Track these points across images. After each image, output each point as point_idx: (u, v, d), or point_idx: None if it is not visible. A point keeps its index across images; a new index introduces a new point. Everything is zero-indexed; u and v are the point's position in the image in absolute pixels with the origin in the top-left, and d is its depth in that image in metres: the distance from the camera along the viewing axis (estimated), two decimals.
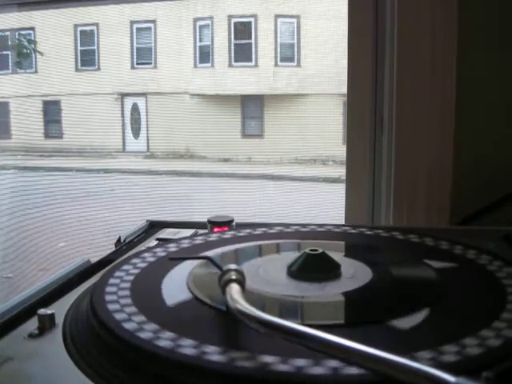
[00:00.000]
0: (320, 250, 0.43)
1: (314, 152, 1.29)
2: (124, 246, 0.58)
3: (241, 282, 0.35)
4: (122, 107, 1.45)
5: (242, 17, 1.34)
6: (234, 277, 0.35)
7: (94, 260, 0.52)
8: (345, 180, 0.83)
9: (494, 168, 0.77)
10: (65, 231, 1.23)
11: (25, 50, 1.37)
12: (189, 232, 0.61)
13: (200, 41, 1.37)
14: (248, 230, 0.57)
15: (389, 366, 0.25)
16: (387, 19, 0.76)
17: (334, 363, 0.29)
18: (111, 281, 0.42)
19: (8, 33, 1.35)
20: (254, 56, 1.34)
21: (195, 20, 1.35)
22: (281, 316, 0.30)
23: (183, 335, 0.32)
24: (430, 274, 0.44)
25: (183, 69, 1.38)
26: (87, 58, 1.40)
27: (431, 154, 0.75)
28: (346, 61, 0.80)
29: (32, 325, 0.37)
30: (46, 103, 1.42)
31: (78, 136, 1.40)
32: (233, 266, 0.36)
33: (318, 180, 1.32)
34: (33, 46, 1.36)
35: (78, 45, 1.39)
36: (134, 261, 0.47)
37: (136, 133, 1.45)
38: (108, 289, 0.41)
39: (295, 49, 1.32)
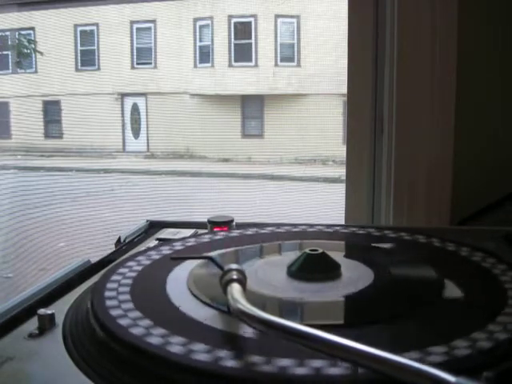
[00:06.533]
0: (320, 250, 0.43)
1: (314, 152, 1.29)
2: (124, 246, 0.58)
3: (242, 282, 0.35)
4: (122, 107, 1.45)
5: (242, 17, 1.34)
6: (235, 276, 0.35)
7: (94, 260, 0.52)
8: (345, 180, 0.83)
9: (494, 168, 0.77)
10: (65, 231, 1.23)
11: (25, 50, 1.37)
12: (189, 232, 0.61)
13: (200, 41, 1.37)
14: (248, 230, 0.57)
15: (389, 366, 0.25)
16: (387, 19, 0.76)
17: (318, 363, 0.29)
18: (111, 281, 0.42)
19: (8, 33, 1.35)
20: (254, 56, 1.34)
21: (195, 20, 1.35)
22: (281, 316, 0.30)
23: (183, 336, 0.32)
24: (431, 275, 0.44)
25: (183, 69, 1.38)
26: (87, 58, 1.40)
27: (431, 154, 0.75)
28: (345, 61, 0.80)
29: (32, 325, 0.37)
30: (46, 103, 1.42)
31: (77, 136, 1.40)
32: (234, 266, 0.36)
33: (317, 180, 1.32)
34: (33, 45, 1.36)
35: (78, 45, 1.39)
36: (134, 261, 0.47)
37: (136, 133, 1.45)
38: (108, 289, 0.41)
39: (295, 49, 1.32)
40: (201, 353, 0.30)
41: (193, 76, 1.41)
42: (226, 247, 0.51)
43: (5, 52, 1.38)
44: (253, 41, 1.34)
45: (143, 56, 1.40)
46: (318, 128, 1.24)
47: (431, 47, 0.73)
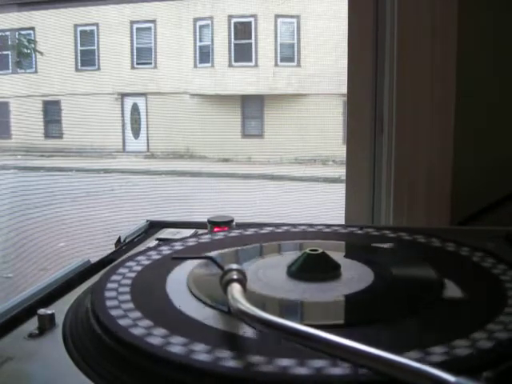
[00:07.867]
0: (320, 250, 0.43)
1: (314, 152, 1.29)
2: (124, 246, 0.58)
3: (242, 282, 0.35)
4: (122, 107, 1.44)
5: (242, 17, 1.34)
6: (235, 276, 0.35)
7: (94, 260, 0.52)
8: (345, 180, 0.83)
9: (494, 167, 0.77)
10: (65, 231, 1.23)
11: (25, 50, 1.37)
12: (189, 232, 0.61)
13: (200, 41, 1.37)
14: (252, 230, 0.57)
15: (389, 366, 0.25)
16: (387, 19, 0.76)
17: (319, 363, 0.29)
18: (111, 281, 0.42)
19: (8, 33, 1.35)
20: (254, 56, 1.34)
21: (195, 20, 1.35)
22: (281, 316, 0.30)
23: (183, 336, 0.32)
24: (431, 275, 0.44)
25: (183, 69, 1.38)
26: (87, 58, 1.40)
27: (431, 154, 0.75)
28: (345, 61, 0.80)
29: (32, 325, 0.37)
30: (46, 103, 1.42)
31: (77, 136, 1.40)
32: (234, 266, 0.36)
33: (317, 180, 1.32)
34: (33, 45, 1.36)
35: (78, 45, 1.39)
36: (134, 261, 0.47)
37: (136, 133, 1.45)
38: (108, 289, 0.41)
39: (295, 49, 1.32)
40: (201, 353, 0.30)
41: (193, 76, 1.41)
42: (226, 247, 0.51)
43: (5, 52, 1.38)
44: (253, 41, 1.33)
45: (143, 56, 1.40)
46: (318, 128, 1.24)
47: (431, 47, 0.73)
